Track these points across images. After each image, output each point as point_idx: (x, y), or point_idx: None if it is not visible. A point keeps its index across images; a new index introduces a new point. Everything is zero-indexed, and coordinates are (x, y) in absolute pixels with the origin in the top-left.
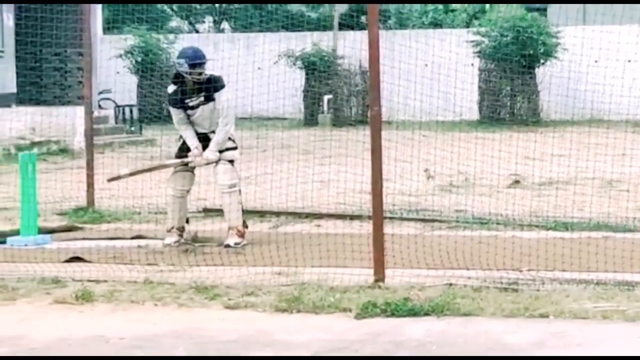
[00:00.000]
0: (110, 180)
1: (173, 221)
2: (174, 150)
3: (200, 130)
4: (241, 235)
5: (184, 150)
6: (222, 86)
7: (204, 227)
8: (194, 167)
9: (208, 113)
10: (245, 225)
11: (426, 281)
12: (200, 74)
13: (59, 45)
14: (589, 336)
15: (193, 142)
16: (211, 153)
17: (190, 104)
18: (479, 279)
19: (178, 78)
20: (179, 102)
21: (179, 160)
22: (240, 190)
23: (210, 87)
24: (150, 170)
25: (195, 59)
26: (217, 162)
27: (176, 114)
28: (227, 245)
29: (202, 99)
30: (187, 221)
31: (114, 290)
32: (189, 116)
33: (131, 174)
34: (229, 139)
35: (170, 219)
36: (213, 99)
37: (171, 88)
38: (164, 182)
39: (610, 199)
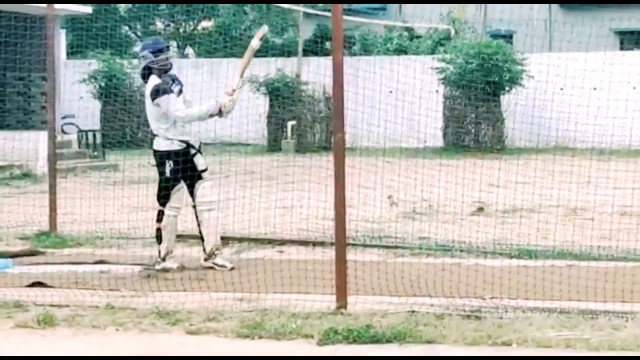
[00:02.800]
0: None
1: (169, 244)
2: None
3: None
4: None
5: (161, 190)
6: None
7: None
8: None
9: (182, 105)
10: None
11: (389, 308)
12: (166, 58)
13: (22, 69)
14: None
15: (209, 103)
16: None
17: (175, 90)
18: (442, 306)
19: (146, 70)
20: (169, 85)
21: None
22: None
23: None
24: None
25: (157, 44)
26: (198, 180)
27: (173, 100)
28: (215, 264)
29: (179, 87)
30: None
31: (76, 315)
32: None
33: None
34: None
35: (165, 245)
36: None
37: (151, 82)
38: (127, 207)
39: (574, 227)
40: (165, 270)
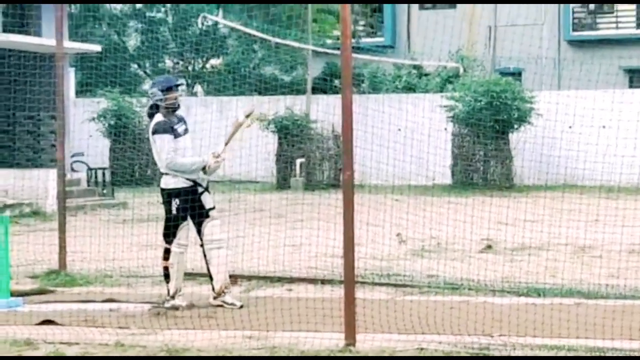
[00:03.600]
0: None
1: (177, 282)
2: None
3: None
4: (227, 287)
5: (167, 228)
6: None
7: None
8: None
9: (190, 144)
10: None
11: (397, 345)
12: (175, 98)
13: (32, 108)
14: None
15: (201, 157)
16: (223, 153)
17: (179, 130)
18: (450, 343)
19: (153, 109)
20: (169, 126)
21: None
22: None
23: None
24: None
25: (168, 82)
26: (205, 218)
27: (167, 141)
28: (225, 302)
29: (184, 127)
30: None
31: (86, 353)
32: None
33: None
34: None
35: (173, 282)
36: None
37: (155, 120)
38: (136, 245)
39: (582, 265)
40: (174, 308)
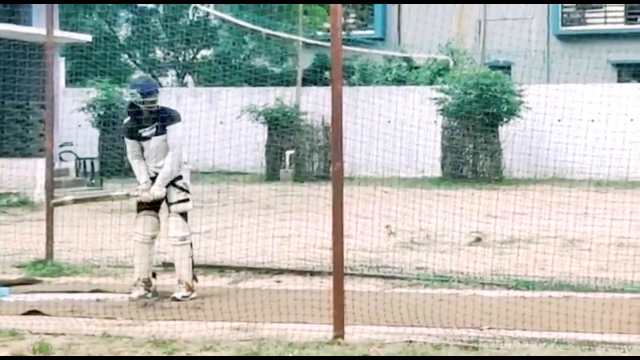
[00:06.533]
0: (55, 204)
1: (138, 272)
2: (134, 203)
3: (151, 168)
4: (189, 289)
5: (142, 202)
6: (178, 119)
7: (162, 282)
8: (157, 210)
9: (161, 144)
10: (195, 279)
11: (386, 338)
12: (153, 101)
13: (21, 97)
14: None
15: (142, 178)
16: (157, 189)
17: (144, 134)
18: (439, 336)
19: (132, 108)
20: (134, 131)
21: (124, 194)
22: (191, 244)
23: (165, 117)
24: (95, 200)
25: (148, 87)
26: (169, 213)
27: (130, 145)
28: (175, 298)
29: (155, 129)
30: (154, 275)
31: (72, 344)
32: (142, 149)
33: (75, 201)
34: (182, 189)
35: (135, 270)
36: (165, 132)
37: (127, 119)
38: (124, 235)
39: (571, 258)
40: (132, 300)
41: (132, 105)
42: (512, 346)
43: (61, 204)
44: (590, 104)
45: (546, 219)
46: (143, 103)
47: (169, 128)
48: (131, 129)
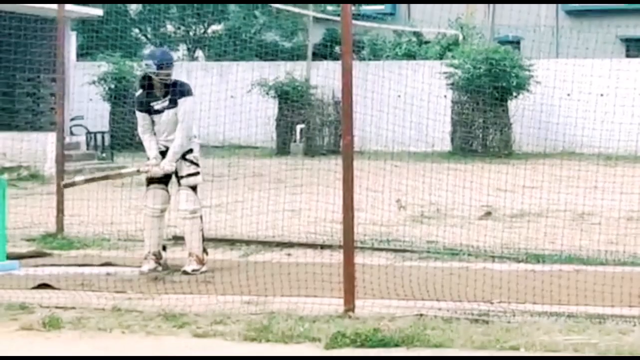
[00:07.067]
0: (65, 185)
1: (148, 246)
2: (144, 177)
3: (162, 142)
4: (200, 262)
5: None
6: (189, 93)
7: (173, 255)
8: (166, 184)
9: (172, 118)
10: (205, 252)
11: (396, 312)
12: (167, 74)
13: (32, 70)
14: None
15: (152, 152)
16: (168, 163)
17: (156, 107)
18: (450, 310)
19: (145, 80)
20: (145, 104)
21: (134, 169)
22: (201, 217)
23: (177, 90)
24: (106, 178)
25: (163, 59)
26: (179, 186)
27: (141, 118)
28: (185, 272)
29: (167, 102)
30: (165, 248)
31: (82, 317)
32: (153, 122)
33: (87, 181)
34: (192, 162)
35: (146, 244)
36: (177, 105)
37: (139, 91)
38: (134, 208)
39: (581, 232)
40: (143, 273)
41: (145, 77)
42: (522, 319)
43: (72, 184)
44: (600, 78)
45: (556, 193)
46: (157, 75)
47: (180, 102)
48: (142, 101)
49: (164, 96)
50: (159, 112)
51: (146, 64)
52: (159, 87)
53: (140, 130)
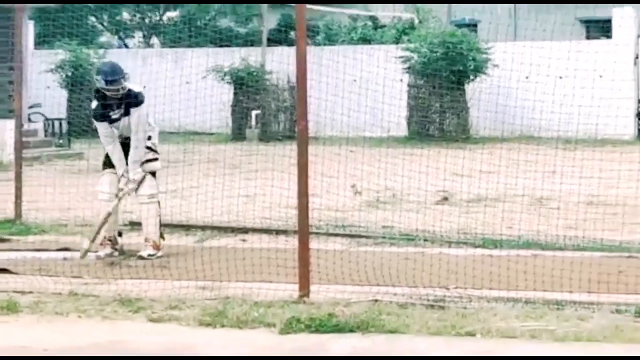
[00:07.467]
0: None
1: (103, 231)
2: (101, 163)
3: (124, 136)
4: (156, 247)
5: (108, 159)
6: (140, 102)
7: (129, 240)
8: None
9: (128, 124)
10: (162, 237)
11: (351, 297)
12: (117, 90)
13: None
14: (517, 356)
15: (119, 164)
16: (134, 174)
17: (113, 117)
18: (405, 295)
19: (99, 92)
20: (102, 116)
21: (115, 203)
22: (159, 202)
23: (130, 100)
24: (103, 224)
25: (112, 75)
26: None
27: (101, 127)
28: (141, 257)
29: (122, 111)
30: (120, 234)
31: (39, 302)
32: (113, 127)
33: (92, 240)
34: (151, 149)
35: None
36: (130, 113)
37: (94, 103)
38: (90, 194)
39: (539, 217)
40: (99, 258)
41: (98, 90)
42: (479, 305)
43: (86, 253)
44: (558, 60)
45: (514, 177)
46: (108, 90)
47: (132, 111)
48: (98, 113)
49: (118, 106)
50: (116, 120)
51: (96, 79)
52: (112, 99)
53: (103, 141)
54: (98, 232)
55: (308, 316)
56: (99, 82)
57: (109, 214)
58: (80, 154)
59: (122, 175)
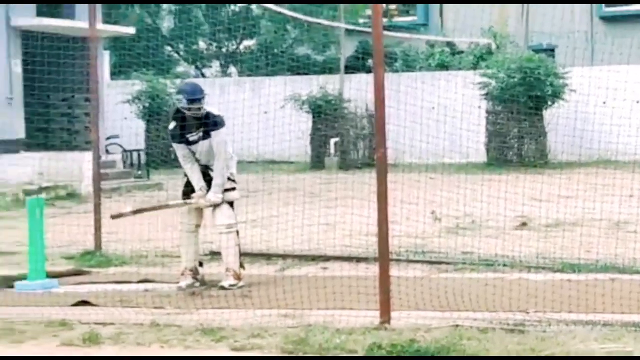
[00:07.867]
0: (114, 217)
1: (185, 262)
2: (180, 193)
3: (202, 163)
4: (237, 277)
5: (188, 189)
6: (221, 125)
7: (210, 270)
8: None
9: (207, 148)
10: (242, 267)
11: (432, 323)
12: (198, 109)
13: (66, 90)
14: None
15: (198, 183)
16: (214, 195)
17: (191, 139)
18: (485, 320)
19: (178, 113)
20: (180, 137)
21: (181, 202)
22: (238, 232)
23: (210, 122)
24: (153, 209)
25: (194, 94)
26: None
27: (180, 149)
28: (222, 287)
29: (201, 134)
30: (201, 264)
31: (121, 333)
32: (192, 152)
33: (134, 212)
34: (229, 179)
35: (182, 259)
36: (210, 136)
37: (172, 124)
38: (171, 225)
39: (617, 240)
40: (180, 289)
41: (177, 110)
42: (558, 328)
43: (120, 215)
44: (635, 84)
45: (591, 202)
46: (189, 109)
47: (213, 134)
48: (177, 134)
49: (197, 128)
50: (195, 142)
51: (177, 99)
52: (191, 120)
53: (181, 161)
54: (143, 211)
55: (389, 342)
56: (180, 102)
57: (167, 205)
58: (159, 185)
59: (200, 189)
